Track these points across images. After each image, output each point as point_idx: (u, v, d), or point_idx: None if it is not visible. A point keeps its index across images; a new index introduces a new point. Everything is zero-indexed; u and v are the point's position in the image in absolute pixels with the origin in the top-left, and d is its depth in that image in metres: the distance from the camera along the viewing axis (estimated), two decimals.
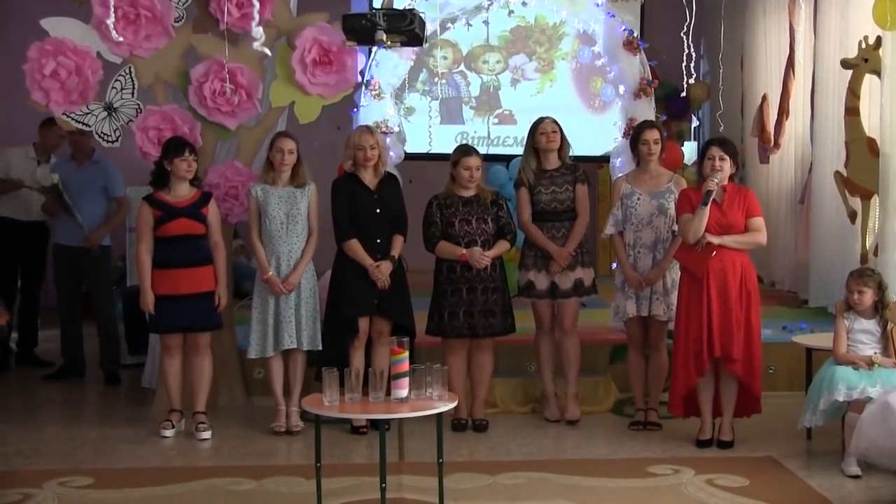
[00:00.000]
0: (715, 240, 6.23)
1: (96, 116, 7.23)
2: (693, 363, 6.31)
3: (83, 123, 7.26)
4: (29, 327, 9.18)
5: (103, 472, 5.99)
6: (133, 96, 7.26)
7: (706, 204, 6.19)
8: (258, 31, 6.85)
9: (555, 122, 7.02)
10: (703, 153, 6.43)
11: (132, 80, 7.24)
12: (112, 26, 6.76)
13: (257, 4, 6.82)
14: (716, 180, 6.22)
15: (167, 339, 6.78)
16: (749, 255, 6.44)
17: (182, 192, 6.73)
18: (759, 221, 6.34)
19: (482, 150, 7.83)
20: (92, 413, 7.73)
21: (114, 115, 7.26)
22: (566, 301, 6.95)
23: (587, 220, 6.98)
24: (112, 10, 6.77)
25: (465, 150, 6.91)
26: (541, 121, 7.04)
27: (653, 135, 6.83)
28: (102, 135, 7.28)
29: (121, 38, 6.93)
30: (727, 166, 6.30)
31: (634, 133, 7.01)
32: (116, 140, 7.30)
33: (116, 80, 7.23)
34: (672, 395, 6.53)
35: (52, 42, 7.02)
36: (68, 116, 7.20)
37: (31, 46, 7.04)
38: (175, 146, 6.72)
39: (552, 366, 7.09)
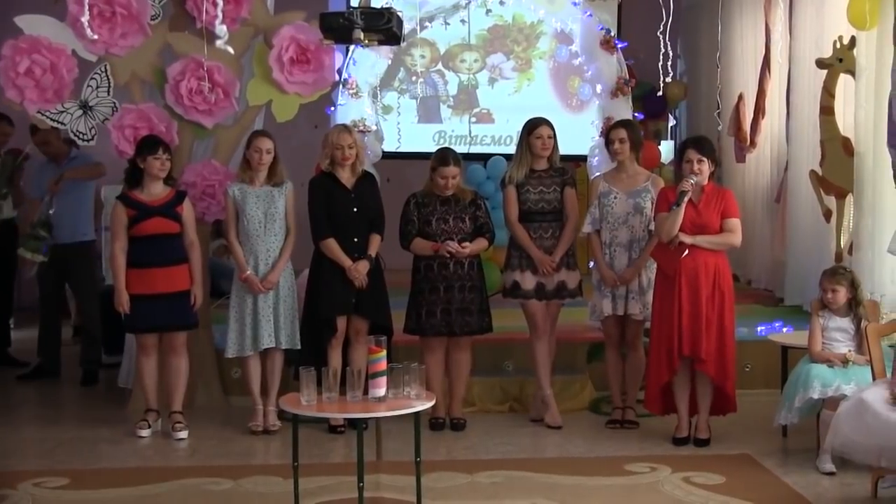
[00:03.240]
0: (687, 239, 6.26)
1: (71, 115, 7.20)
2: (665, 361, 6.35)
3: (58, 122, 7.22)
4: (2, 328, 9.12)
5: (79, 472, 5.96)
6: (109, 94, 7.24)
7: (679, 204, 6.21)
8: (221, 30, 6.83)
9: (551, 127, 6.91)
10: (680, 155, 6.45)
11: (108, 78, 7.22)
12: (87, 24, 6.73)
13: (221, 3, 6.80)
14: (692, 181, 6.25)
15: (143, 339, 6.75)
16: (726, 255, 6.46)
17: (156, 191, 6.71)
18: (734, 222, 6.35)
19: (462, 149, 7.82)
20: (68, 413, 7.68)
21: (89, 113, 7.23)
22: (549, 303, 6.93)
23: (577, 223, 6.91)
24: (87, 7, 6.73)
25: (443, 159, 6.80)
26: (538, 124, 6.89)
27: (618, 134, 6.82)
28: (78, 133, 7.25)
29: (96, 36, 6.90)
30: (706, 168, 6.32)
31: (606, 133, 7.03)
32: (92, 139, 7.27)
33: (92, 78, 7.21)
34: (647, 393, 6.57)
35: (26, 40, 6.99)
36: (43, 115, 7.16)
37: (5, 44, 7.00)
38: (148, 144, 6.70)
39: (549, 369, 7.02)
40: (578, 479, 5.77)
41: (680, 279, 6.28)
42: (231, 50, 7.01)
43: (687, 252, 6.26)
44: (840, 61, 7.81)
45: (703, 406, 6.46)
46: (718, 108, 9.40)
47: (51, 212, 8.18)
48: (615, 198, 6.78)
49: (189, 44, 7.19)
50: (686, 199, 6.22)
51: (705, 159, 6.31)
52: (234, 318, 6.76)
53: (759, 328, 7.86)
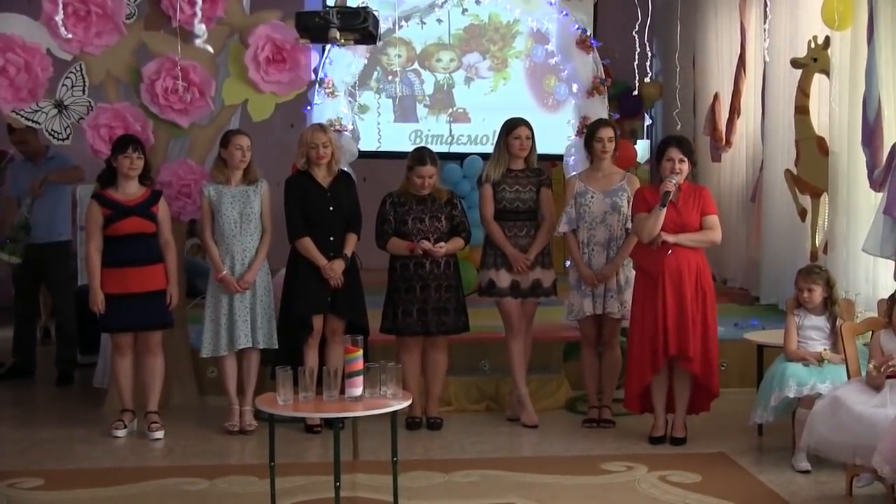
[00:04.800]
0: (670, 238, 6.26)
1: (46, 114, 7.17)
2: (648, 361, 6.36)
3: (33, 121, 7.19)
4: None
5: (54, 472, 5.93)
6: (84, 93, 7.21)
7: (664, 206, 6.22)
8: (200, 28, 6.80)
9: (530, 127, 6.91)
10: (660, 153, 6.44)
11: (83, 78, 7.18)
12: (62, 23, 6.68)
13: (200, 2, 6.78)
14: (673, 181, 6.25)
15: (118, 339, 6.72)
16: (704, 253, 6.47)
17: (132, 191, 6.68)
18: (713, 219, 6.36)
19: (439, 148, 7.81)
20: (43, 413, 7.63)
21: (64, 112, 7.19)
22: (525, 301, 6.93)
23: (553, 224, 6.91)
24: (61, 6, 6.69)
25: (420, 158, 6.80)
26: (517, 124, 6.90)
27: (607, 133, 6.83)
28: (53, 132, 7.21)
29: (71, 35, 6.86)
30: (686, 168, 6.33)
31: (589, 131, 6.99)
32: (67, 138, 7.23)
33: (67, 77, 7.17)
34: (627, 393, 6.58)
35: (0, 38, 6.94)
36: (17, 114, 7.12)
37: None
38: (119, 143, 6.68)
39: (525, 368, 7.03)
40: (555, 477, 5.78)
41: (663, 279, 6.28)
42: (211, 49, 6.98)
43: (671, 251, 6.28)
44: (815, 61, 7.85)
45: (681, 405, 6.48)
46: (678, 108, 9.45)
47: (27, 214, 8.14)
48: (592, 197, 6.79)
49: (164, 43, 7.16)
50: (669, 199, 6.23)
51: (686, 159, 6.33)
52: (210, 318, 6.73)
53: (734, 327, 7.88)
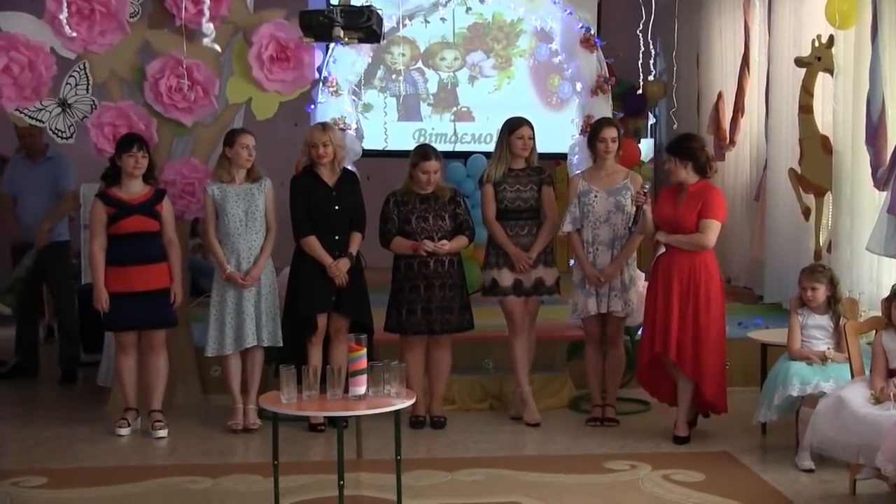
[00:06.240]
0: (662, 238, 6.32)
1: (50, 112, 7.17)
2: (647, 349, 6.50)
3: (36, 119, 7.19)
4: None
5: (57, 471, 5.93)
6: (88, 92, 7.21)
7: (636, 222, 6.42)
8: (209, 27, 6.81)
9: (532, 127, 6.90)
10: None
11: (87, 76, 7.18)
12: (66, 21, 6.69)
13: (208, 1, 6.78)
14: (646, 188, 6.46)
15: (122, 337, 6.73)
16: (713, 254, 6.46)
17: (135, 189, 6.68)
18: (706, 223, 6.30)
19: (443, 147, 7.77)
20: (46, 412, 7.63)
21: (68, 111, 7.19)
22: (528, 300, 6.93)
23: (555, 222, 6.91)
24: (65, 4, 6.70)
25: (424, 154, 6.81)
26: (519, 124, 6.89)
27: (611, 133, 6.83)
28: (56, 131, 7.21)
29: (74, 34, 6.87)
30: (675, 166, 6.37)
31: (592, 130, 6.99)
32: (71, 136, 7.24)
33: (71, 76, 7.17)
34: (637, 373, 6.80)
35: (3, 37, 6.95)
36: (21, 112, 7.12)
37: None
38: (123, 142, 6.68)
39: (528, 367, 7.05)
40: (558, 476, 5.78)
41: (657, 278, 6.34)
42: (218, 48, 6.99)
43: (663, 250, 6.30)
44: (818, 60, 7.84)
45: (682, 404, 6.47)
46: (674, 107, 9.44)
47: (28, 264, 8.13)
48: (595, 196, 6.79)
49: (168, 41, 7.16)
50: (642, 213, 6.37)
51: (672, 158, 6.35)
52: (215, 317, 6.73)
53: (738, 326, 7.88)
